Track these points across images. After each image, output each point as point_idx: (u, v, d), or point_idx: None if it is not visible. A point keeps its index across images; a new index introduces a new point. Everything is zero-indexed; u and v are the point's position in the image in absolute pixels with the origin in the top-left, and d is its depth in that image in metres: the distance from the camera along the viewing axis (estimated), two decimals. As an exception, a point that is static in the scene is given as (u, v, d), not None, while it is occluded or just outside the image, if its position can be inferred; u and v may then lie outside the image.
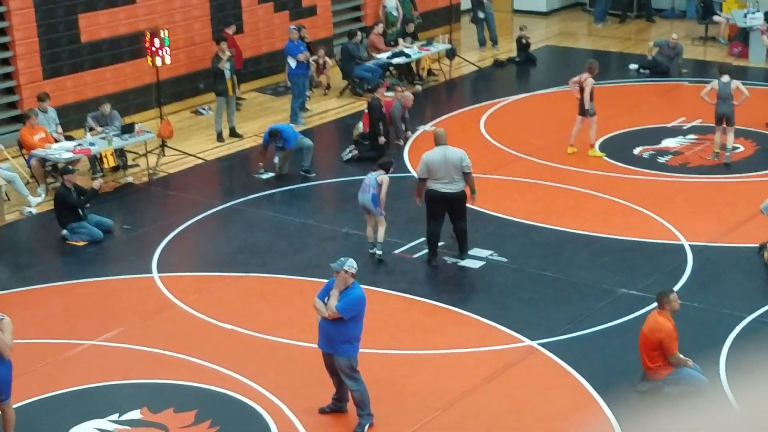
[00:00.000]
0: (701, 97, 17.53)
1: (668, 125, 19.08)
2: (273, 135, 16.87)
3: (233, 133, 19.25)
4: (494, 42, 25.22)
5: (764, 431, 4.48)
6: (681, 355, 10.54)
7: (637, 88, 21.69)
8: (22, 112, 18.02)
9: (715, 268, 13.53)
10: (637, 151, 17.69)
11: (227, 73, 18.78)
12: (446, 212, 13.74)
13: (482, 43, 25.27)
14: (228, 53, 18.95)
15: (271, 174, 17.02)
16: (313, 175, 17.07)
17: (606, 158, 17.36)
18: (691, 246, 14.09)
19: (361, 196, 13.85)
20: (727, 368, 10.99)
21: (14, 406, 10.01)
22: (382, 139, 17.82)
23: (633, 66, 22.87)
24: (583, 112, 17.41)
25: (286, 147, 16.95)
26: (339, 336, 9.99)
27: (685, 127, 18.97)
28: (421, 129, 19.17)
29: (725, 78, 17.06)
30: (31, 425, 10.35)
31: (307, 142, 17.15)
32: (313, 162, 17.22)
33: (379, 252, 13.89)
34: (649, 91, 21.44)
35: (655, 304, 10.85)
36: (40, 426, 10.44)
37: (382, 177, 13.67)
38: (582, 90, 17.27)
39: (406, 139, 18.61)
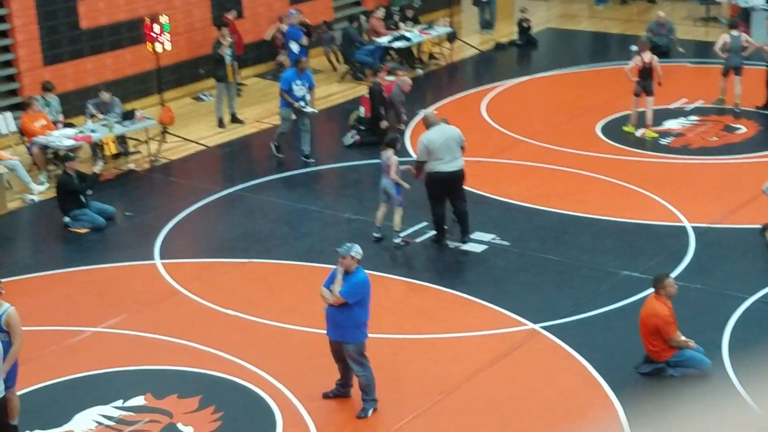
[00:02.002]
0: (714, 51, 18.65)
1: (670, 107, 19.04)
2: (299, 62, 17.09)
3: (234, 119, 19.23)
4: (491, 25, 25.15)
5: None
6: (682, 337, 10.53)
7: (639, 69, 21.59)
8: (23, 99, 18.00)
9: (717, 250, 13.52)
10: (639, 133, 17.64)
11: (228, 59, 18.75)
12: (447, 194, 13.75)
13: (484, 25, 25.20)
14: (229, 39, 18.91)
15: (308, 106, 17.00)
16: (312, 161, 17.06)
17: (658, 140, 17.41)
18: (693, 227, 14.07)
19: (382, 180, 13.88)
20: (729, 350, 10.98)
21: (18, 393, 10.02)
22: (384, 123, 17.78)
23: (634, 48, 22.70)
24: (647, 90, 17.48)
25: (312, 87, 17.13)
26: (346, 321, 9.98)
27: (686, 109, 18.94)
28: (422, 113, 19.07)
29: (735, 32, 18.42)
30: (35, 412, 10.37)
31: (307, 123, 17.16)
32: (314, 147, 17.21)
33: (397, 240, 13.90)
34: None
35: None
36: (44, 413, 10.46)
37: (390, 160, 13.68)
38: (652, 69, 17.41)
39: (405, 124, 18.57)
